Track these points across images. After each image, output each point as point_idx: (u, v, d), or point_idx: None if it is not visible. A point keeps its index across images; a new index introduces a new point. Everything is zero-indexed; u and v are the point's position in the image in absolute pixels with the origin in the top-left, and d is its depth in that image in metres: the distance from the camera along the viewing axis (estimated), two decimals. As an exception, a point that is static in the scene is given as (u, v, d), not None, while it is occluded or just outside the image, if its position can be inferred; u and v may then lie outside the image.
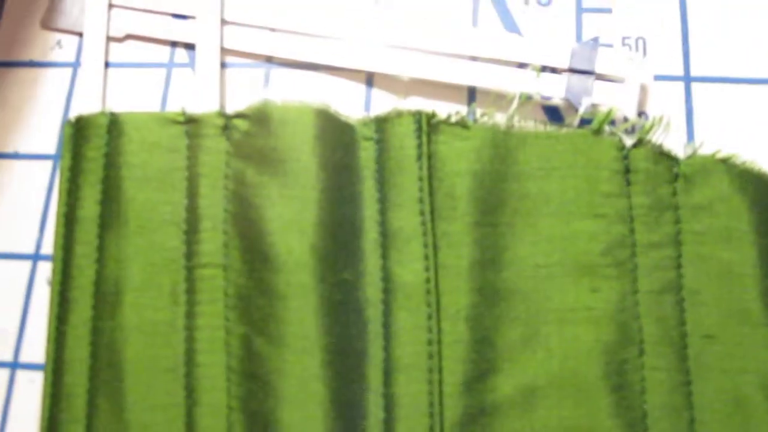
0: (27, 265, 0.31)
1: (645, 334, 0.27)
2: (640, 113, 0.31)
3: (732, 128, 0.31)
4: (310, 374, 0.27)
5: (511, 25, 0.33)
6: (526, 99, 0.31)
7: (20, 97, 0.33)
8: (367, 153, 0.30)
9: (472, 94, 0.32)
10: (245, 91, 0.32)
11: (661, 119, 0.30)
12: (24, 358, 0.30)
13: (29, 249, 0.31)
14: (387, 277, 0.28)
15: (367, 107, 0.32)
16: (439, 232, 0.28)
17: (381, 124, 0.30)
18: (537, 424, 0.27)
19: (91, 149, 0.31)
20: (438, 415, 0.27)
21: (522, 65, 0.31)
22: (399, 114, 0.30)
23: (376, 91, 0.32)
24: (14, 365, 0.30)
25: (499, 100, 0.31)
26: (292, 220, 0.29)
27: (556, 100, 0.30)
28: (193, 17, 0.33)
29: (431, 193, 0.29)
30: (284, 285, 0.28)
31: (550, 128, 0.30)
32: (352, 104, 0.32)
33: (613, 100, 0.30)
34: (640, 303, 0.28)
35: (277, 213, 0.29)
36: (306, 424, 0.27)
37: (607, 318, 0.28)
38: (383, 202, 0.29)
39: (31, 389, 0.29)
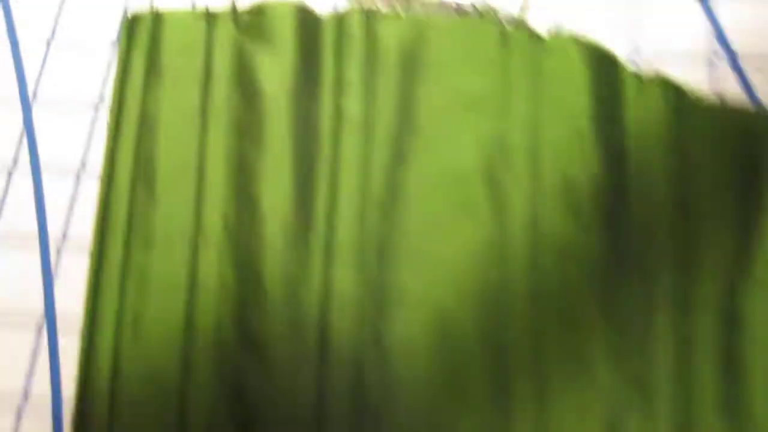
0: (91, 111, 0.45)
1: (511, 146, 0.40)
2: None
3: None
4: (282, 162, 0.40)
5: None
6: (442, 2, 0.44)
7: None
8: (329, 34, 0.43)
9: None
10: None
11: (529, 7, 0.43)
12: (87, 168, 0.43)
13: (94, 100, 0.45)
14: (338, 112, 0.41)
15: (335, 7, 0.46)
16: (374, 84, 0.42)
17: (340, 15, 0.43)
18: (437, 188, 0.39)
19: (140, 33, 0.45)
20: (366, 183, 0.40)
21: (441, -20, 0.45)
22: (352, 8, 0.43)
23: (340, -2, 0.46)
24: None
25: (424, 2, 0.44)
26: (274, 72, 0.42)
27: (466, 5, 0.44)
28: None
29: (370, 59, 0.42)
30: (267, 110, 0.41)
31: (456, 18, 0.43)
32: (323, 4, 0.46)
33: (502, 3, 0.43)
34: (510, 130, 0.40)
35: (264, 68, 0.42)
36: (278, 190, 0.40)
37: (486, 138, 0.40)
38: (338, 64, 0.42)
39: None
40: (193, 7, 0.47)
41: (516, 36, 0.43)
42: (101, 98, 0.45)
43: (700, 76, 0.41)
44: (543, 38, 0.43)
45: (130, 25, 0.46)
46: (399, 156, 0.41)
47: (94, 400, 0.39)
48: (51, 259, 0.41)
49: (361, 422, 0.37)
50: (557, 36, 0.43)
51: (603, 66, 0.42)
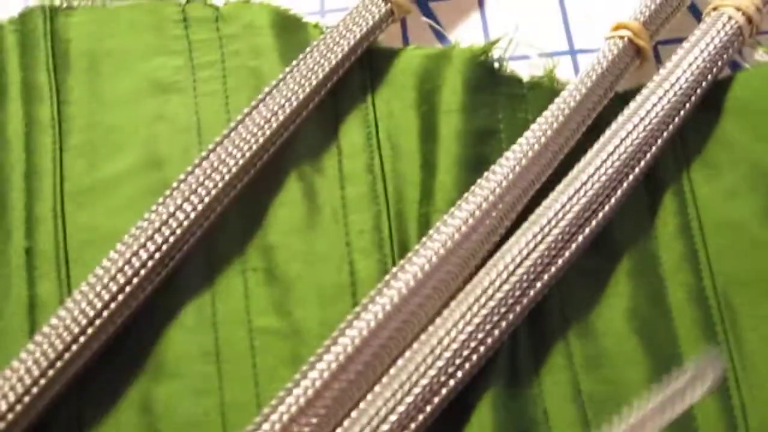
0: None
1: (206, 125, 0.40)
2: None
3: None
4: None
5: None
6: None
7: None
8: (11, 37, 0.42)
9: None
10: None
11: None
12: None
13: None
14: (29, 119, 0.40)
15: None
16: (63, 84, 0.41)
17: (22, 18, 0.42)
18: None
19: None
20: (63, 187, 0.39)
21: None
22: (31, 10, 0.42)
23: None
24: None
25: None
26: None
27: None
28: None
29: (56, 59, 0.41)
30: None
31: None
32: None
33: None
34: (199, 104, 0.40)
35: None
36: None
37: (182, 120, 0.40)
38: (24, 68, 0.41)
39: None
40: None
41: (191, 9, 0.42)
42: None
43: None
44: (253, 6, 0.42)
45: None
46: (92, 155, 0.40)
47: None
48: None
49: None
50: (233, 2, 0.43)
51: (289, 27, 0.42)
